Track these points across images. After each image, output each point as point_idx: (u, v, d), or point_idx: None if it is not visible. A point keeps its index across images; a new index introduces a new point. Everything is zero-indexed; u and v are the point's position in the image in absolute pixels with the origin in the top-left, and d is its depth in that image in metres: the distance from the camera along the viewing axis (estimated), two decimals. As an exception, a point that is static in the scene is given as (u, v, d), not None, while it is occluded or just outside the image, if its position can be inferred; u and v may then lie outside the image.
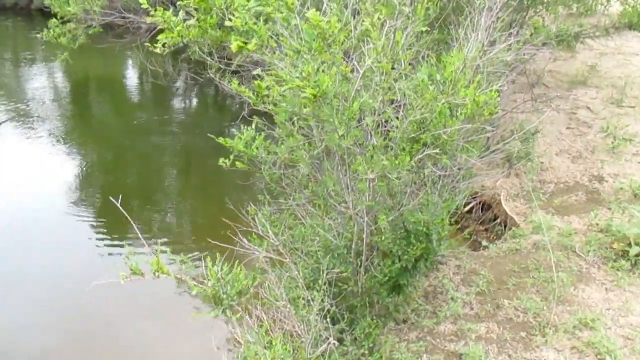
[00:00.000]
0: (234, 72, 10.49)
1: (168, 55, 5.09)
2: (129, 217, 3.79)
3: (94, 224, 8.18)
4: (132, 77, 16.53)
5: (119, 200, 3.84)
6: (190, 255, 7.35)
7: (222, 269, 3.79)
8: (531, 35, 6.78)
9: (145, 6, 5.10)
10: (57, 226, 8.08)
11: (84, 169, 9.80)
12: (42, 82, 14.91)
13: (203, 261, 3.87)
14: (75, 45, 11.09)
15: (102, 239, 7.77)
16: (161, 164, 10.56)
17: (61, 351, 5.85)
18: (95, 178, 9.68)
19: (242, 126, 5.06)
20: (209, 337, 5.33)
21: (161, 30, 5.10)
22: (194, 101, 14.80)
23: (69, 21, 11.62)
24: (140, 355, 5.85)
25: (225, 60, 9.25)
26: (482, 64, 4.99)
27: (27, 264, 7.07)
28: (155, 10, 4.75)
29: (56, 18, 11.18)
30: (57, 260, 7.16)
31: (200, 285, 3.68)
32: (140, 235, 3.86)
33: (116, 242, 7.64)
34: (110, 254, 7.38)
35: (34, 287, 6.65)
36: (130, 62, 16.88)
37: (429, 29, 5.99)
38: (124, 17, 13.97)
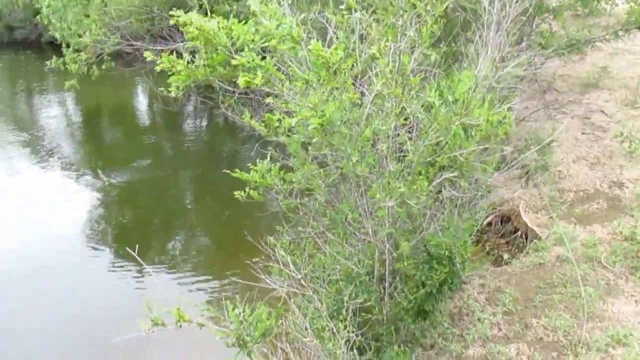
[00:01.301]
0: (244, 94, 10.57)
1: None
2: (145, 266, 3.78)
3: (111, 263, 8.10)
4: (142, 104, 16.69)
5: (136, 251, 3.84)
6: (209, 290, 7.40)
7: (243, 311, 3.75)
8: (540, 45, 6.71)
9: (150, 58, 5.14)
10: (72, 268, 7.95)
11: (98, 201, 9.84)
12: (54, 111, 15.14)
13: (224, 302, 3.83)
14: (87, 72, 11.30)
15: (120, 282, 7.65)
16: (175, 192, 10.59)
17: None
18: (109, 210, 9.71)
19: (257, 160, 5.04)
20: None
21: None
22: (205, 125, 14.87)
23: (79, 50, 11.84)
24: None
25: (235, 88, 9.30)
26: (495, 81, 4.93)
27: (43, 310, 6.98)
28: (161, 57, 4.79)
29: (68, 47, 11.40)
30: (74, 309, 7.04)
31: (224, 330, 3.64)
32: (159, 282, 3.83)
33: (134, 284, 7.57)
34: (129, 297, 7.27)
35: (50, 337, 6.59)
36: (139, 88, 17.06)
37: (436, 44, 5.97)
38: (131, 45, 14.15)
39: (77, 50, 11.89)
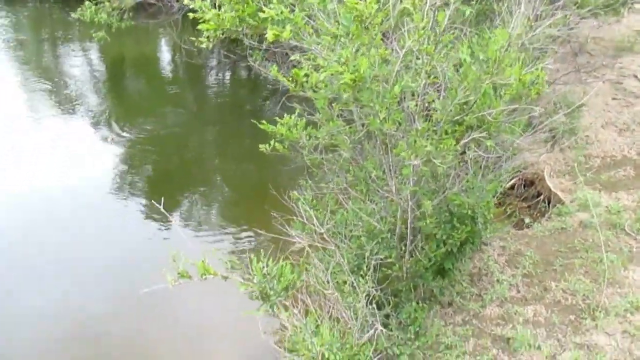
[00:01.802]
0: (269, 49, 10.45)
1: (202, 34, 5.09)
2: (171, 218, 3.85)
3: (135, 215, 8.21)
4: (165, 56, 16.59)
5: (162, 203, 3.90)
6: (233, 242, 7.52)
7: (267, 265, 3.82)
8: (576, 4, 6.49)
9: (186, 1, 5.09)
10: (96, 220, 8.04)
11: (121, 152, 9.92)
12: (78, 61, 15.11)
13: (248, 255, 3.91)
14: (116, 23, 11.25)
15: (145, 234, 7.75)
16: (198, 146, 10.65)
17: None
18: (133, 162, 9.77)
19: (284, 114, 5.03)
20: (256, 321, 5.42)
21: (194, 10, 5.08)
22: (228, 79, 14.79)
23: (101, 2, 11.77)
24: (189, 339, 6.00)
25: (260, 41, 9.21)
26: (528, 40, 4.80)
27: (69, 263, 7.11)
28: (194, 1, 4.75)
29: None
30: (101, 260, 7.15)
31: (247, 283, 3.72)
32: (184, 236, 3.91)
33: (159, 236, 7.67)
34: (153, 248, 7.38)
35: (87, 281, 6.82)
36: (163, 41, 16.94)
37: (468, 1, 5.81)
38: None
39: (100, 2, 11.83)
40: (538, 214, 7.11)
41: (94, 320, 6.17)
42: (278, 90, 11.47)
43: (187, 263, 3.64)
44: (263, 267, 3.86)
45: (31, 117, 11.38)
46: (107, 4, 11.73)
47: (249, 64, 12.24)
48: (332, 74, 4.17)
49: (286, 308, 4.96)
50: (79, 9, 11.58)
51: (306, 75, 4.43)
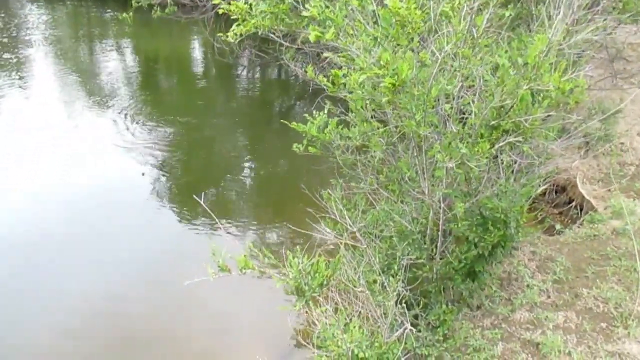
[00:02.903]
0: (300, 48, 10.54)
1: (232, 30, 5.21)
2: (213, 215, 3.96)
3: (174, 211, 8.35)
4: (197, 54, 16.86)
5: (202, 198, 4.00)
6: (265, 238, 7.63)
7: (302, 261, 3.90)
8: (615, 9, 6.41)
9: (216, 1, 5.20)
10: (133, 214, 8.21)
11: (154, 148, 10.10)
12: (112, 57, 15.48)
13: (284, 252, 3.99)
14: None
15: (184, 228, 7.90)
16: (230, 145, 10.80)
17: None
18: (166, 158, 9.97)
19: (314, 111, 5.10)
20: (285, 317, 5.52)
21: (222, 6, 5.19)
22: (258, 79, 14.95)
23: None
24: (220, 331, 6.11)
25: (291, 41, 9.29)
26: (567, 46, 4.78)
27: (113, 257, 7.24)
28: (229, 4, 4.86)
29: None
30: (141, 255, 7.30)
31: (283, 278, 3.80)
32: (224, 230, 4.00)
33: (198, 230, 7.80)
34: (193, 242, 7.51)
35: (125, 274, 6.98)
36: (195, 38, 17.20)
37: (504, 5, 5.79)
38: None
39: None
40: (569, 221, 7.06)
41: (130, 313, 6.34)
42: (308, 90, 11.56)
43: (226, 257, 3.75)
44: (299, 263, 3.94)
45: (63, 111, 11.68)
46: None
47: (279, 63, 12.38)
48: (369, 76, 4.22)
49: (316, 305, 5.05)
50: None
51: (344, 75, 4.49)
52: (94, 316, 6.23)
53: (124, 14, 12.13)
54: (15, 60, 14.36)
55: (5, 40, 15.58)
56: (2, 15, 17.51)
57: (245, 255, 3.62)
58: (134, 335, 6.05)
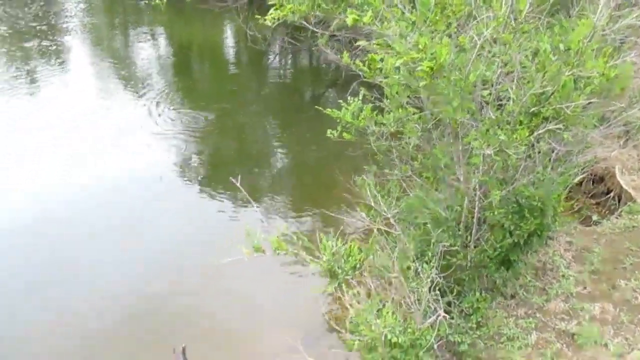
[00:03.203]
0: (333, 35, 10.51)
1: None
2: (249, 197, 4.02)
3: (209, 193, 8.49)
4: (230, 42, 16.93)
5: (239, 180, 4.06)
6: (299, 221, 7.68)
7: (336, 244, 3.93)
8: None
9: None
10: (175, 196, 8.41)
11: (188, 133, 10.23)
12: (147, 44, 15.68)
13: (318, 235, 4.03)
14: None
15: (218, 208, 8.07)
16: (263, 130, 10.88)
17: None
18: (201, 143, 10.10)
19: (348, 98, 5.08)
20: (317, 301, 5.56)
21: None
22: (290, 66, 14.96)
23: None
24: (252, 313, 6.19)
25: (322, 28, 9.28)
26: (611, 31, 4.65)
27: (152, 237, 7.44)
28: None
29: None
30: (179, 235, 7.47)
31: (316, 260, 3.84)
32: (260, 214, 4.05)
33: (231, 211, 7.97)
34: (227, 222, 7.71)
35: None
36: (228, 26, 17.29)
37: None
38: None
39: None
40: (607, 212, 6.91)
41: (164, 290, 6.52)
42: (340, 76, 11.52)
43: (260, 238, 3.81)
44: (332, 246, 3.97)
45: (99, 96, 11.92)
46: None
47: (311, 50, 12.34)
48: (406, 61, 4.19)
49: (349, 288, 5.08)
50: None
51: (381, 60, 4.46)
52: (135, 293, 6.44)
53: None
54: (54, 47, 14.67)
55: (45, 27, 15.90)
56: (42, 3, 17.86)
57: (278, 237, 3.65)
58: (169, 311, 6.21)
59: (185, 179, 8.98)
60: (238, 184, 4.10)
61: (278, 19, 5.32)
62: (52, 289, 6.47)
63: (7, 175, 8.70)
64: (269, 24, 5.47)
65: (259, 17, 5.73)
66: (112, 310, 6.20)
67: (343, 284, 4.24)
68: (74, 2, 18.64)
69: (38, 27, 15.86)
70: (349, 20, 4.25)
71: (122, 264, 6.89)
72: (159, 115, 10.97)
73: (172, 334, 5.85)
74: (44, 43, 14.84)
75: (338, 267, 4.05)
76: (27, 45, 14.60)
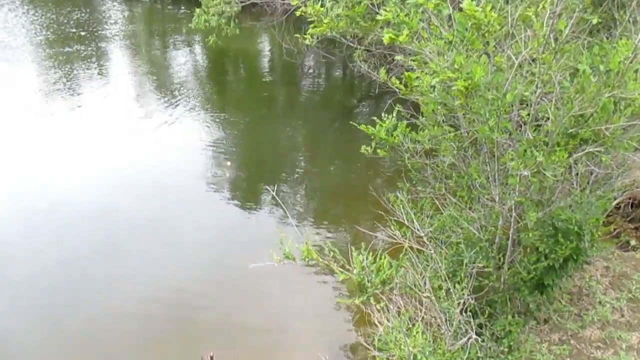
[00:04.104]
0: (367, 50, 10.58)
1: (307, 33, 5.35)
2: (284, 208, 4.04)
3: (241, 201, 8.48)
4: (265, 55, 17.20)
5: (275, 189, 4.10)
6: (329, 234, 7.69)
7: (367, 258, 3.91)
8: None
9: (294, 3, 5.32)
10: (210, 203, 8.48)
11: (221, 141, 10.40)
12: (184, 54, 16.07)
13: (350, 248, 4.02)
14: (225, 27, 11.78)
15: (250, 216, 8.03)
16: (295, 141, 10.95)
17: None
18: (234, 151, 10.25)
19: (383, 114, 5.10)
20: (346, 317, 5.53)
21: (297, 9, 5.30)
22: (324, 79, 15.08)
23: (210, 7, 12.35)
24: (281, 324, 6.21)
25: (358, 43, 9.39)
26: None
27: (183, 240, 7.56)
28: (306, 5, 4.95)
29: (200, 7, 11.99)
30: (211, 240, 7.56)
31: (347, 273, 3.83)
32: (293, 223, 4.08)
33: (260, 217, 7.92)
34: (259, 231, 7.59)
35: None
36: (264, 40, 17.57)
37: (583, 10, 5.58)
38: (261, -2, 14.45)
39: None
40: (646, 237, 6.71)
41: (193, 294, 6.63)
42: (373, 91, 11.57)
43: (292, 247, 3.82)
44: (363, 260, 3.96)
45: (135, 102, 12.23)
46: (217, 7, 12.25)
47: (345, 63, 12.40)
48: (443, 79, 4.18)
49: (378, 304, 5.04)
50: (194, 17, 12.14)
51: (417, 78, 4.46)
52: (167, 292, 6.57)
53: (210, 38, 12.40)
54: (93, 53, 15.13)
55: (85, 34, 16.44)
56: (84, 12, 18.48)
57: (307, 242, 3.66)
58: (197, 317, 6.32)
59: (220, 183, 9.11)
60: (273, 193, 4.15)
61: (317, 37, 5.42)
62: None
63: (60, 174, 9.12)
64: (308, 42, 5.58)
65: (298, 35, 5.85)
66: (139, 315, 6.30)
67: (372, 300, 4.21)
68: (115, 11, 19.29)
69: (80, 34, 16.40)
70: (385, 39, 4.27)
71: (154, 265, 7.04)
72: (191, 121, 11.23)
73: (201, 341, 5.91)
74: (83, 48, 15.34)
75: (368, 281, 4.03)
76: (68, 50, 15.10)
